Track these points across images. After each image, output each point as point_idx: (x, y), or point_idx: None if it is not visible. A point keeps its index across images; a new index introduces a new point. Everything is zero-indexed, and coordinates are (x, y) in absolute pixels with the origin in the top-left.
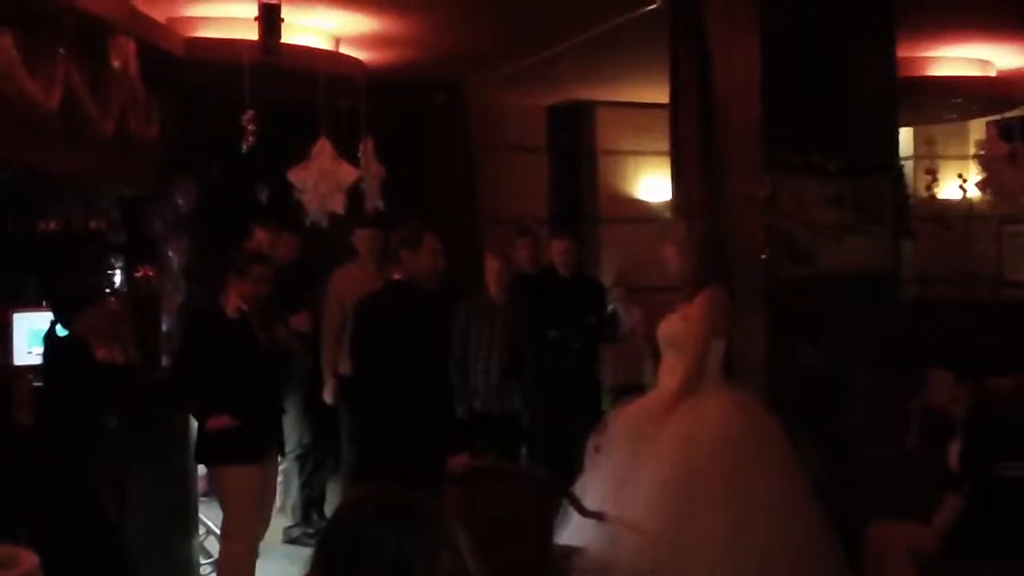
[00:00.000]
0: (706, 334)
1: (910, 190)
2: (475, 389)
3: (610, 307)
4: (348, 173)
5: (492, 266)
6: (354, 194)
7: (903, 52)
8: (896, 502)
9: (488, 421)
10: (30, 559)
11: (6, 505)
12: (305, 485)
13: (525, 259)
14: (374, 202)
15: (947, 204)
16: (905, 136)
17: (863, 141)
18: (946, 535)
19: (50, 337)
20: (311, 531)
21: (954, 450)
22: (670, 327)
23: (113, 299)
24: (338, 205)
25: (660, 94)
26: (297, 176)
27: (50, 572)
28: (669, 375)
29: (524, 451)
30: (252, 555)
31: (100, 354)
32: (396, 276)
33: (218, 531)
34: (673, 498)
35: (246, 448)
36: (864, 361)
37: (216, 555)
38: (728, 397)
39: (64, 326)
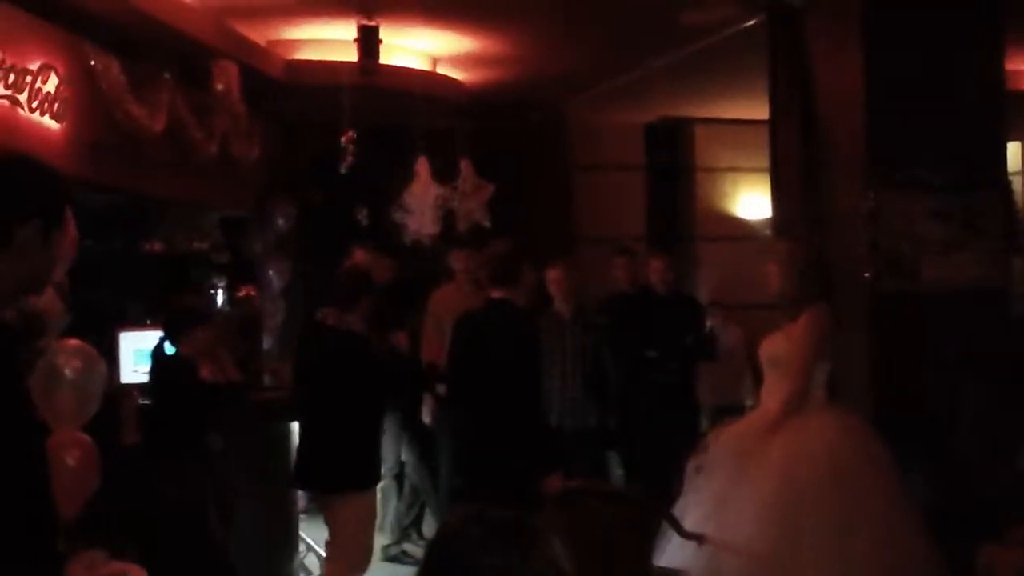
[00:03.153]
0: (811, 354)
1: (1020, 205)
2: (548, 404)
3: (708, 325)
4: (432, 192)
5: (553, 276)
6: (449, 214)
7: (1011, 64)
8: (1008, 525)
9: (561, 436)
10: (140, 575)
11: (116, 522)
12: (404, 503)
13: (623, 278)
14: (473, 220)
15: None
16: (1014, 150)
17: (970, 155)
18: None
19: (158, 355)
20: (409, 549)
21: None
22: (773, 346)
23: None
24: (430, 225)
25: (758, 110)
26: (407, 198)
27: None
28: (772, 395)
29: (622, 471)
30: None
31: (205, 374)
32: (495, 295)
33: (319, 549)
34: (776, 520)
35: (373, 472)
36: (973, 380)
37: (316, 572)
38: (833, 417)
39: (173, 344)
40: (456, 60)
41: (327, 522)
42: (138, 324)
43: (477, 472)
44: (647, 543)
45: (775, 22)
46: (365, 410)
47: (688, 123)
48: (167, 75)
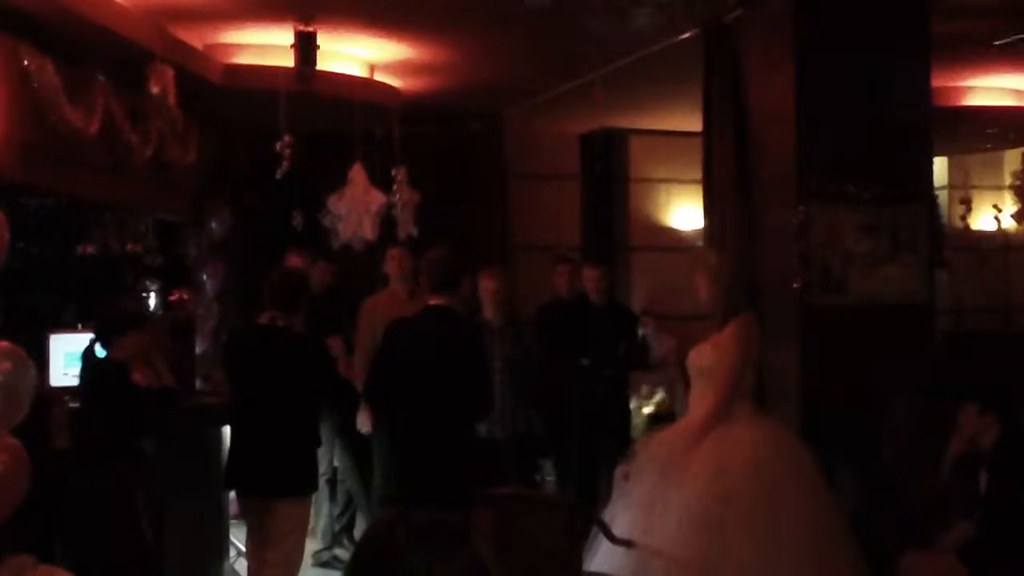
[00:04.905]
0: (737, 363)
1: (944, 220)
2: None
3: (641, 334)
4: (376, 199)
5: (487, 286)
6: (387, 220)
7: (938, 82)
8: (930, 532)
9: (491, 444)
10: None
11: (44, 526)
12: (336, 508)
13: (563, 286)
14: (407, 229)
15: (981, 234)
16: (939, 166)
17: (898, 170)
18: (972, 563)
19: (88, 358)
20: (341, 555)
21: (984, 480)
22: (700, 356)
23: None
24: (368, 231)
25: (692, 122)
26: (335, 203)
27: None
28: (699, 403)
29: (554, 477)
30: None
31: (139, 378)
32: (434, 301)
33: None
34: (703, 525)
35: (311, 478)
36: (898, 391)
37: None
38: (759, 425)
39: (104, 347)
40: (394, 67)
41: (262, 527)
42: (69, 327)
43: (415, 481)
44: (577, 548)
45: (709, 37)
46: (310, 413)
47: (623, 134)
48: (101, 77)
